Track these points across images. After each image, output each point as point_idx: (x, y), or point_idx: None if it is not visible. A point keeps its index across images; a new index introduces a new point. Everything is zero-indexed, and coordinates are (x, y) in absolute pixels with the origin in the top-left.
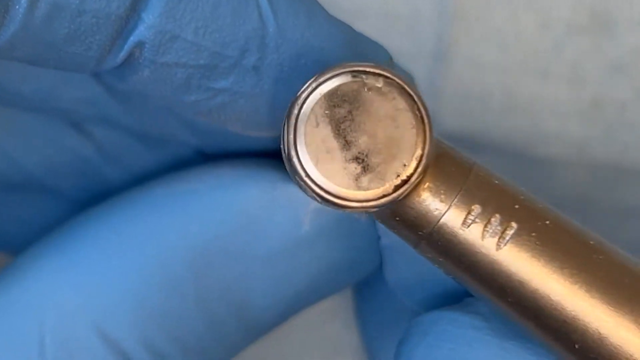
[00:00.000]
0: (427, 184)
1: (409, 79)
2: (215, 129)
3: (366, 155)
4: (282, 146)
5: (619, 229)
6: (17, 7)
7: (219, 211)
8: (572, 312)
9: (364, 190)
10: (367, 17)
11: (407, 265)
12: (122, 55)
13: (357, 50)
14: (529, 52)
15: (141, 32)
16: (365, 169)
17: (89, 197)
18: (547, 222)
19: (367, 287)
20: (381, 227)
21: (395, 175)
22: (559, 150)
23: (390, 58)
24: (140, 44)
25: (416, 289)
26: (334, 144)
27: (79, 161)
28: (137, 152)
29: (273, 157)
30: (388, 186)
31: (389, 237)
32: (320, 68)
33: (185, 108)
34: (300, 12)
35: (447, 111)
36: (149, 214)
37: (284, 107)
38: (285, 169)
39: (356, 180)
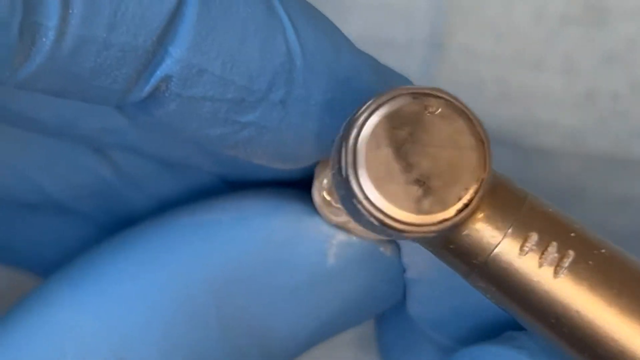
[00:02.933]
0: (483, 212)
1: (406, 81)
2: (239, 159)
3: (427, 178)
4: (336, 170)
5: (612, 219)
6: (44, 39)
7: (242, 242)
8: (629, 344)
9: (425, 214)
10: (362, 6)
11: (432, 299)
12: (148, 88)
13: (381, 81)
14: (522, 43)
15: (168, 66)
16: (427, 192)
17: (112, 220)
18: (603, 250)
19: (388, 313)
20: (406, 260)
21: (457, 199)
22: (552, 140)
23: (411, 84)
24: (167, 78)
25: (440, 322)
26: (394, 166)
27: (100, 184)
28: (159, 178)
29: (297, 187)
30: (450, 210)
31: (415, 271)
32: (345, 100)
33: (211, 141)
34: (327, 45)
35: None
36: (172, 244)
37: (309, 141)
38: (311, 201)
39: (417, 203)
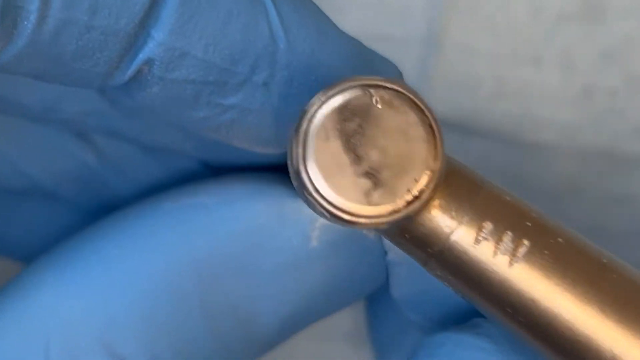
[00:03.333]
0: (437, 201)
1: (399, 74)
2: (222, 144)
3: (377, 170)
4: (289, 161)
5: (608, 216)
6: (25, 22)
7: (226, 226)
8: (585, 332)
9: (375, 205)
10: (358, 3)
11: (414, 281)
12: (130, 72)
13: (367, 66)
14: (520, 39)
15: (150, 49)
16: (376, 184)
17: (96, 205)
18: (560, 239)
19: (377, 301)
20: (388, 242)
21: (407, 191)
22: (549, 137)
23: (400, 74)
24: (149, 61)
25: (422, 304)
26: (344, 158)
27: (82, 169)
28: (142, 163)
29: (280, 172)
30: (399, 202)
31: (396, 253)
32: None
33: (193, 124)
34: (311, 28)
35: (438, 98)
36: (155, 228)
37: (292, 124)
38: (293, 184)
39: (367, 195)
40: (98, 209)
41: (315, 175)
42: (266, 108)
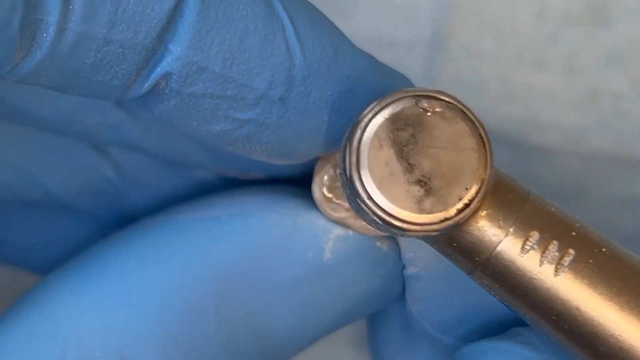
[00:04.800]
0: (485, 211)
1: (405, 79)
2: (238, 156)
3: (429, 179)
4: (341, 170)
5: (613, 219)
6: (44, 35)
7: (240, 238)
8: (629, 340)
9: (426, 213)
10: (364, 6)
11: (435, 296)
12: (148, 85)
13: (381, 80)
14: (524, 42)
15: (168, 63)
16: (428, 192)
17: (112, 218)
18: (604, 249)
19: (380, 312)
20: (408, 256)
21: (458, 199)
22: (554, 140)
23: (412, 86)
24: (166, 75)
25: (442, 318)
26: (397, 167)
27: (99, 181)
28: (158, 175)
29: (295, 184)
30: (450, 210)
31: (417, 267)
32: (344, 98)
33: (210, 138)
34: (327, 44)
35: None
36: (171, 241)
37: (309, 138)
38: (308, 196)
39: (419, 203)
40: (114, 221)
41: (368, 183)
42: (282, 123)
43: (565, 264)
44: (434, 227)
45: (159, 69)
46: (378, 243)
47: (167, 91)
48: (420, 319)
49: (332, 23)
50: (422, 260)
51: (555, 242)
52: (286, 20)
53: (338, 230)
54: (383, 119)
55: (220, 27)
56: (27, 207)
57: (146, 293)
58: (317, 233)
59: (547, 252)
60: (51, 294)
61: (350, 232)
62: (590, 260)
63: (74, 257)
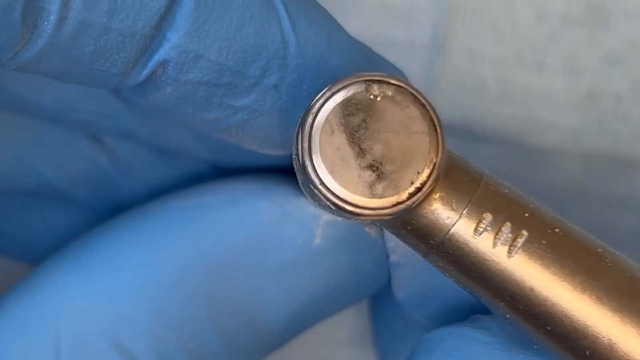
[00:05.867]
0: (438, 193)
1: (401, 75)
2: (230, 145)
3: (380, 163)
4: (295, 155)
5: (612, 220)
6: (45, 23)
7: (231, 224)
8: (583, 320)
9: (379, 198)
10: (363, 7)
11: (416, 281)
12: (146, 73)
13: (374, 69)
14: (524, 43)
15: (165, 51)
16: (380, 176)
17: (106, 206)
18: (557, 230)
19: (381, 304)
20: (390, 245)
21: (409, 183)
22: (554, 141)
23: (406, 79)
24: (164, 63)
25: (425, 304)
26: (348, 152)
27: (95, 170)
28: (152, 165)
29: (285, 173)
30: (402, 194)
31: (398, 254)
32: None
33: (205, 125)
34: (321, 32)
35: (443, 101)
36: (163, 227)
37: (297, 119)
38: (297, 184)
39: (370, 187)
40: (108, 209)
41: (320, 169)
42: (276, 110)
43: (519, 245)
44: (386, 211)
45: (156, 57)
46: (366, 229)
47: (163, 79)
48: (405, 306)
49: (327, 12)
50: (401, 247)
51: (508, 223)
52: (281, 9)
53: (327, 216)
54: (334, 105)
55: (217, 16)
56: (21, 197)
57: (139, 278)
58: (307, 219)
59: (500, 233)
60: (45, 279)
61: (339, 219)
62: (543, 241)
63: (68, 244)
